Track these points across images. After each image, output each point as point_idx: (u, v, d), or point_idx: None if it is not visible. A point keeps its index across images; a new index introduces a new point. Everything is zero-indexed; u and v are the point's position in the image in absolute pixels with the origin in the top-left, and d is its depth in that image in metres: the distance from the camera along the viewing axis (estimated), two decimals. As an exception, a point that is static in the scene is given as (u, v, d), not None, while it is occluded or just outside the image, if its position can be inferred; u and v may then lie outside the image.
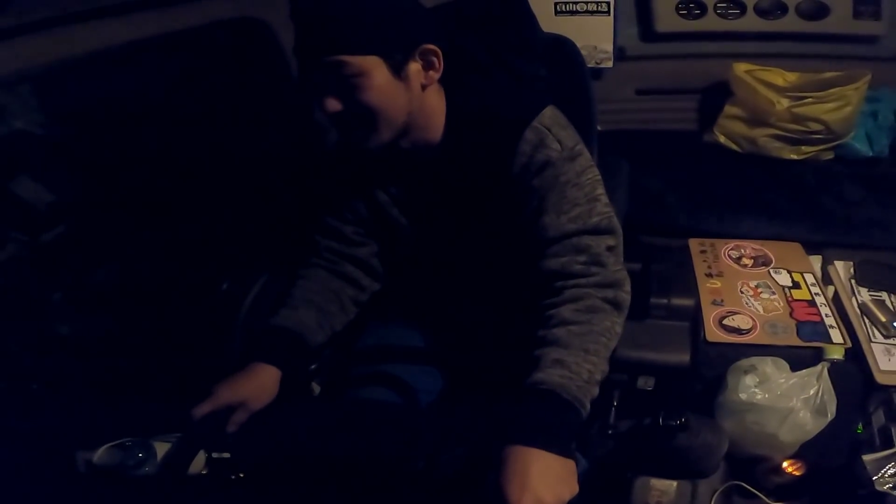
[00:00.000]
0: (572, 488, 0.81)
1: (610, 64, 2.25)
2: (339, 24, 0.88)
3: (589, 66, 2.19)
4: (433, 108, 1.03)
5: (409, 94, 0.97)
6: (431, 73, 0.99)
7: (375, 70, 0.91)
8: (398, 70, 0.94)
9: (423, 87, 1.00)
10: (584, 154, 1.03)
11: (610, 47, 2.22)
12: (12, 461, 0.88)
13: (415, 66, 0.96)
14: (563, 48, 1.44)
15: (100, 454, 0.90)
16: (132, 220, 1.36)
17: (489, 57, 1.18)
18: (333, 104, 0.93)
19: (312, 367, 1.16)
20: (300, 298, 1.15)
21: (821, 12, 2.11)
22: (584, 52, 2.16)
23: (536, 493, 0.77)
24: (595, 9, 2.17)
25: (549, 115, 1.01)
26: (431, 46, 0.97)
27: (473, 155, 1.03)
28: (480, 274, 1.17)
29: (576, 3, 2.16)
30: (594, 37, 2.20)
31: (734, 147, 2.22)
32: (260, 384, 1.03)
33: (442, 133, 1.05)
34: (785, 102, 2.05)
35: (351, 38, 0.89)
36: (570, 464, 0.84)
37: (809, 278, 1.66)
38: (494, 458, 0.82)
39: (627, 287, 1.01)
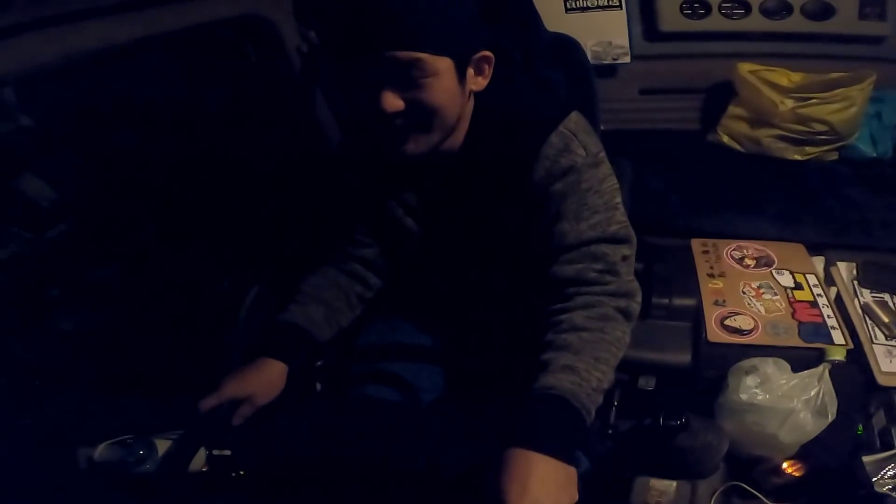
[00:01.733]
0: (572, 496, 0.80)
1: (628, 59, 2.20)
2: (420, 18, 0.84)
3: (605, 62, 2.22)
4: (467, 112, 1.01)
5: (463, 99, 0.95)
6: (481, 79, 0.97)
7: (446, 72, 0.88)
8: (462, 74, 0.92)
9: (469, 93, 0.98)
10: (605, 162, 1.01)
11: (626, 42, 2.18)
12: (13, 457, 0.89)
13: (470, 71, 0.94)
14: (567, 47, 1.43)
15: (100, 451, 0.90)
16: (134, 218, 1.36)
17: (521, 57, 1.18)
18: (395, 102, 0.87)
19: (318, 363, 1.16)
20: (308, 294, 1.15)
21: (826, 13, 2.10)
22: (599, 49, 2.18)
23: (536, 498, 0.76)
24: (606, 3, 2.12)
25: (575, 120, 1.00)
26: (487, 53, 0.95)
27: (495, 158, 1.01)
28: (488, 276, 1.16)
29: (586, -2, 2.13)
30: (608, 32, 2.16)
31: (738, 147, 2.21)
32: (267, 379, 1.04)
33: (464, 136, 1.03)
34: (789, 103, 2.04)
35: (431, 36, 0.85)
36: (572, 471, 0.82)
37: (812, 279, 1.66)
38: (496, 459, 0.81)
39: (639, 298, 1.00)
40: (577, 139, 0.98)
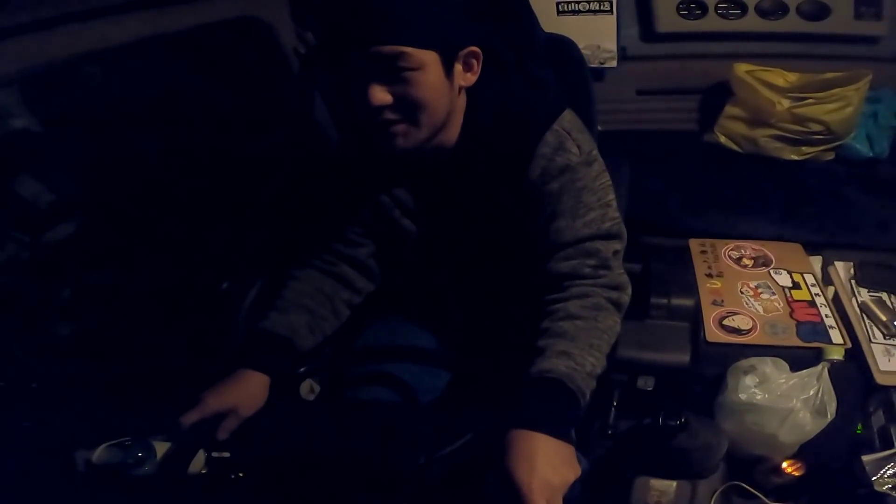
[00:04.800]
0: (576, 471, 0.84)
1: (614, 63, 2.25)
2: (403, 13, 0.85)
3: (592, 65, 2.23)
4: (458, 109, 1.02)
5: (451, 94, 0.96)
6: (469, 75, 0.98)
7: (432, 65, 0.90)
8: (449, 69, 0.93)
9: (459, 90, 0.99)
10: (599, 159, 1.04)
11: (613, 46, 2.22)
12: (12, 460, 0.88)
13: (458, 67, 0.95)
14: (564, 48, 1.43)
15: (99, 453, 0.90)
16: (132, 221, 1.36)
17: (513, 57, 1.18)
18: (382, 96, 0.89)
19: (301, 370, 1.14)
20: (292, 302, 1.13)
21: (822, 13, 2.11)
22: (587, 52, 2.20)
23: (544, 475, 0.80)
24: (598, 8, 2.17)
25: (569, 118, 1.02)
26: (475, 49, 0.96)
27: (491, 157, 1.02)
28: (484, 274, 1.17)
29: (578, 2, 2.16)
30: (597, 36, 2.20)
31: (735, 147, 2.21)
32: (248, 390, 1.02)
33: (458, 135, 1.04)
34: (786, 103, 2.05)
35: (415, 30, 0.86)
36: (571, 448, 0.87)
37: (809, 279, 1.66)
38: (499, 443, 0.84)
39: (629, 290, 1.04)
40: (571, 137, 1.00)
